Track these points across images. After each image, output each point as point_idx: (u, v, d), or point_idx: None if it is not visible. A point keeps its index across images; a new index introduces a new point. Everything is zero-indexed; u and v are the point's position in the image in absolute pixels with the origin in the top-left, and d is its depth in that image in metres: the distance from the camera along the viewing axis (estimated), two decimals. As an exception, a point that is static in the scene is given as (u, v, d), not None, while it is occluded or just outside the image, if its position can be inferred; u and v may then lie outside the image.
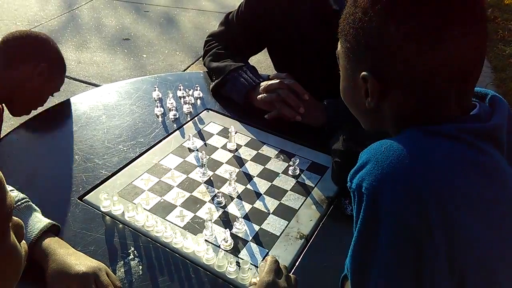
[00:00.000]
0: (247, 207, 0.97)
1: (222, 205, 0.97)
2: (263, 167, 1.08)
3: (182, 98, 1.33)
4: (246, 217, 0.94)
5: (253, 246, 0.88)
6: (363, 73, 0.61)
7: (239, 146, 1.15)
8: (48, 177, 1.03)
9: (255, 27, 1.37)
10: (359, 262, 0.58)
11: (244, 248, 0.87)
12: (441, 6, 0.55)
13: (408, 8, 0.56)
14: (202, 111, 1.29)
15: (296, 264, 0.85)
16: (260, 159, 1.11)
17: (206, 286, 0.80)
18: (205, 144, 1.16)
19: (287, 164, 1.09)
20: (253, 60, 1.44)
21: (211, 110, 1.30)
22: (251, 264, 0.83)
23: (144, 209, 0.94)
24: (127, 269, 0.82)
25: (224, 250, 0.86)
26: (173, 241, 0.87)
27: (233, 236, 0.89)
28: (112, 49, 3.63)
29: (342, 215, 0.96)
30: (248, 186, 1.03)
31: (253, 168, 1.08)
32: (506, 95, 2.87)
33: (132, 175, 1.04)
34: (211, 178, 1.04)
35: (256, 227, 0.92)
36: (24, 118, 1.30)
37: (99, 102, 1.32)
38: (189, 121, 1.24)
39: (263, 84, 1.24)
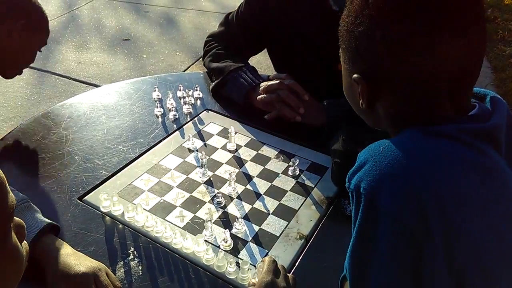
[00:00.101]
0: (247, 207, 0.97)
1: (222, 205, 0.97)
2: (263, 167, 1.09)
3: (182, 99, 1.33)
4: (246, 217, 0.95)
5: (253, 246, 0.88)
6: (354, 75, 0.62)
7: (239, 146, 1.15)
8: (48, 177, 1.03)
9: (255, 27, 1.37)
10: (357, 263, 0.59)
11: (244, 249, 0.87)
12: (427, 12, 0.55)
13: (394, 14, 0.56)
14: (202, 112, 1.29)
15: (296, 264, 0.85)
16: (260, 159, 1.11)
17: (205, 286, 0.80)
18: (205, 144, 1.16)
19: (287, 164, 1.09)
20: (253, 61, 1.44)
21: (211, 110, 1.30)
22: (250, 264, 0.83)
23: (144, 209, 0.94)
24: (127, 269, 0.82)
25: (224, 250, 0.86)
26: (173, 242, 0.87)
27: (233, 236, 0.89)
28: (112, 49, 3.63)
29: (342, 215, 0.96)
30: (248, 186, 1.03)
31: (253, 169, 1.08)
32: (506, 95, 2.87)
33: (132, 176, 1.04)
34: (211, 178, 1.04)
35: (256, 228, 0.92)
36: (24, 118, 1.30)
37: (99, 102, 1.32)
38: (189, 121, 1.25)
39: (263, 84, 1.25)
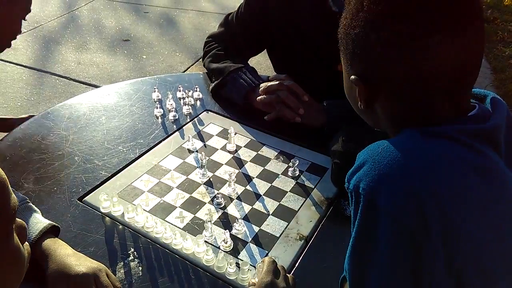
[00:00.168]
0: (247, 208, 0.97)
1: (221, 206, 0.97)
2: (262, 168, 1.09)
3: (181, 99, 1.33)
4: (246, 218, 0.95)
5: (253, 247, 0.88)
6: (352, 76, 0.63)
7: (238, 147, 1.15)
8: (48, 178, 1.03)
9: (255, 28, 1.37)
10: (357, 263, 0.59)
11: (244, 249, 0.87)
12: (424, 12, 0.55)
13: (390, 15, 0.57)
14: (202, 112, 1.29)
15: (296, 265, 0.85)
16: (260, 160, 1.11)
17: (205, 287, 0.80)
18: (204, 145, 1.16)
19: (286, 165, 1.09)
20: (252, 61, 1.44)
21: (211, 111, 1.30)
22: (250, 265, 0.83)
23: (144, 210, 0.94)
24: (127, 270, 0.82)
25: (224, 251, 0.87)
26: (173, 242, 0.87)
27: (233, 237, 0.89)
28: (112, 50, 3.63)
29: (342, 216, 0.96)
30: (248, 187, 1.03)
31: (252, 169, 1.08)
32: (505, 96, 2.87)
33: (131, 176, 1.04)
34: (211, 179, 1.05)
35: (256, 228, 0.92)
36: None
37: (99, 103, 1.32)
38: (188, 122, 1.25)
39: (263, 85, 1.25)
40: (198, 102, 1.34)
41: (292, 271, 0.84)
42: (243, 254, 0.86)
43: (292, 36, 1.32)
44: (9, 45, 1.32)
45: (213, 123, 1.25)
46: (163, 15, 4.37)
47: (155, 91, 1.34)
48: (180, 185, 1.02)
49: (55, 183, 1.01)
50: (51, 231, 0.83)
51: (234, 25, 1.41)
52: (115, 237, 0.89)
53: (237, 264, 0.83)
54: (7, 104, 2.81)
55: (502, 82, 3.16)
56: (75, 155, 1.10)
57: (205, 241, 0.87)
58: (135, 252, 0.86)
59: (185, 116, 1.27)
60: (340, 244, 0.71)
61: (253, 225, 0.93)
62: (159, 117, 1.26)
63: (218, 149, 1.14)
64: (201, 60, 1.52)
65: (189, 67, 3.44)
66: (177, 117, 1.26)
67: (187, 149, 1.14)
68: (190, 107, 1.29)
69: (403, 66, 0.57)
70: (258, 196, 1.00)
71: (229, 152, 1.14)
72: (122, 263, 0.83)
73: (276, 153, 1.14)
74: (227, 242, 0.87)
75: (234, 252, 0.87)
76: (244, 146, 1.16)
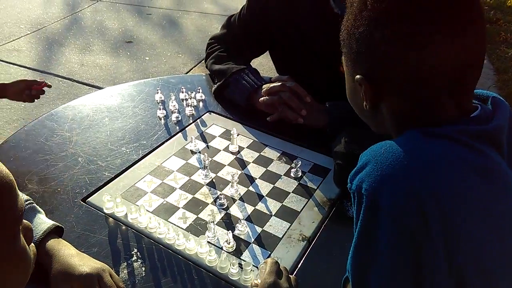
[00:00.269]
0: (249, 209, 0.97)
1: (224, 207, 0.97)
2: (265, 169, 1.09)
3: (184, 101, 1.33)
4: (249, 219, 0.95)
5: (256, 248, 0.88)
6: (357, 76, 0.63)
7: (241, 148, 1.16)
8: (52, 178, 1.03)
9: (257, 29, 1.38)
10: (359, 263, 0.59)
11: (247, 250, 0.88)
12: (426, 11, 0.56)
13: (393, 13, 0.57)
14: (204, 114, 1.30)
15: (299, 266, 0.85)
16: (262, 161, 1.12)
17: (208, 287, 0.81)
18: (207, 146, 1.16)
19: (289, 166, 1.09)
20: (255, 63, 1.44)
21: (213, 112, 1.31)
22: (253, 265, 0.83)
23: (147, 210, 0.94)
24: (130, 270, 0.83)
25: (227, 251, 0.87)
26: (176, 243, 0.87)
27: (236, 238, 0.90)
28: (115, 51, 3.65)
29: (344, 217, 0.96)
30: (250, 188, 1.03)
31: (255, 170, 1.08)
32: (508, 97, 2.86)
33: (135, 177, 1.04)
34: (214, 180, 1.05)
35: (258, 229, 0.92)
36: (27, 120, 1.31)
37: (102, 104, 1.32)
38: (191, 123, 1.25)
39: (265, 86, 1.25)
40: (201, 104, 1.35)
41: (295, 272, 0.84)
42: (246, 255, 0.87)
43: (292, 36, 1.32)
44: None
45: (216, 124, 1.25)
46: (166, 17, 4.38)
47: (158, 93, 1.35)
48: (183, 186, 1.02)
49: (58, 184, 1.02)
50: (55, 232, 0.83)
51: (236, 27, 1.42)
52: (118, 238, 0.89)
53: (240, 265, 0.83)
54: (11, 105, 2.82)
55: (505, 83, 3.15)
56: (79, 156, 1.10)
57: (208, 242, 0.87)
58: (138, 253, 0.86)
59: (188, 117, 1.28)
60: (343, 245, 0.71)
61: (255, 226, 0.93)
62: (162, 118, 1.26)
63: (220, 150, 1.15)
64: (203, 61, 1.52)
65: (191, 69, 3.45)
66: (180, 118, 1.26)
67: (190, 150, 1.14)
68: (192, 108, 1.29)
69: (404, 65, 0.57)
70: (260, 197, 1.00)
71: (232, 153, 1.14)
72: (125, 264, 0.84)
73: (279, 154, 1.14)
74: (230, 242, 0.87)
75: (237, 252, 0.87)
76: (246, 147, 1.16)
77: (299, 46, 1.33)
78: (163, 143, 1.16)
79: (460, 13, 0.56)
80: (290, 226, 0.93)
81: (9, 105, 2.84)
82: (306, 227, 0.93)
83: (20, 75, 3.21)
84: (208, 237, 0.88)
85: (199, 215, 0.95)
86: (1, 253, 0.47)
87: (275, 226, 0.93)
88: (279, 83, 1.22)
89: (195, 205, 0.97)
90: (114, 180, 1.03)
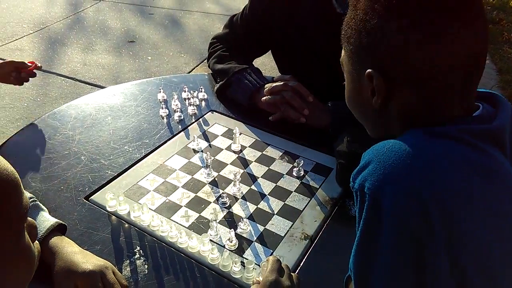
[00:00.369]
0: (252, 207, 0.98)
1: (226, 205, 0.98)
2: (267, 168, 1.09)
3: (186, 100, 1.34)
4: (251, 217, 0.95)
5: (258, 246, 0.89)
6: (368, 70, 0.61)
7: (243, 147, 1.16)
8: (55, 177, 1.04)
9: (260, 29, 1.38)
10: (361, 262, 0.59)
11: (249, 248, 0.88)
12: (442, 1, 0.56)
13: (408, 2, 0.57)
14: (207, 113, 1.30)
15: (301, 264, 0.86)
16: (265, 160, 1.12)
17: (211, 285, 0.81)
18: (209, 145, 1.17)
19: (291, 165, 1.10)
20: (257, 62, 1.44)
21: (216, 111, 1.31)
22: (255, 264, 0.83)
23: (150, 209, 0.95)
24: (133, 268, 0.83)
25: (229, 250, 0.87)
26: (178, 241, 0.88)
27: (238, 236, 0.90)
28: (117, 51, 3.65)
29: (347, 216, 0.96)
30: (253, 187, 1.03)
31: (257, 169, 1.09)
32: (511, 97, 2.86)
33: (137, 176, 1.05)
34: (216, 179, 1.05)
35: (261, 228, 0.93)
36: (30, 119, 1.31)
37: (105, 103, 1.33)
38: (193, 122, 1.25)
39: (267, 86, 1.25)
40: (203, 103, 1.35)
41: (297, 271, 0.84)
42: (248, 253, 0.87)
43: (296, 37, 1.32)
44: None
45: (218, 123, 1.25)
46: (168, 16, 4.39)
47: (160, 92, 1.35)
48: (186, 185, 1.03)
49: (61, 182, 1.02)
50: (58, 229, 0.84)
51: (238, 26, 1.42)
52: (121, 236, 0.90)
53: (242, 263, 0.83)
54: (13, 104, 2.83)
55: (508, 83, 3.14)
56: (82, 155, 1.11)
57: (210, 240, 0.88)
58: (141, 251, 0.86)
59: (190, 116, 1.28)
60: (345, 244, 0.71)
61: (258, 225, 0.93)
62: (165, 118, 1.27)
63: (223, 149, 1.15)
64: (206, 61, 1.53)
65: (194, 68, 3.46)
66: (182, 118, 1.26)
67: (192, 149, 1.15)
68: (195, 107, 1.30)
69: (423, 53, 0.57)
70: (263, 196, 1.01)
71: (234, 152, 1.14)
72: (128, 261, 0.84)
73: (281, 153, 1.14)
74: (232, 241, 0.87)
75: (239, 251, 0.87)
76: (249, 146, 1.16)
77: (302, 46, 1.33)
78: (165, 142, 1.17)
79: (471, 6, 0.57)
80: (292, 225, 0.94)
81: (11, 104, 2.85)
82: (308, 226, 0.93)
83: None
84: (211, 235, 0.89)
85: (201, 214, 0.95)
86: (6, 250, 0.47)
87: (277, 225, 0.93)
88: (282, 83, 1.22)
89: (197, 204, 0.98)
90: (117, 179, 1.04)
